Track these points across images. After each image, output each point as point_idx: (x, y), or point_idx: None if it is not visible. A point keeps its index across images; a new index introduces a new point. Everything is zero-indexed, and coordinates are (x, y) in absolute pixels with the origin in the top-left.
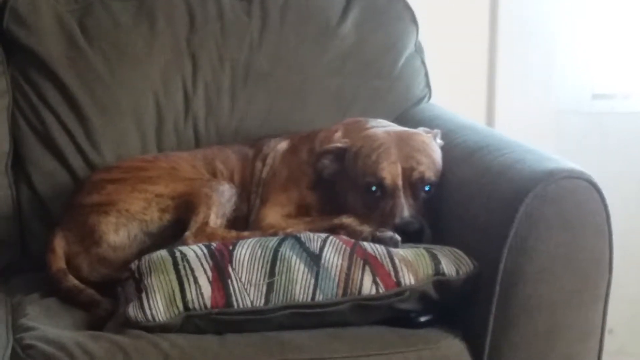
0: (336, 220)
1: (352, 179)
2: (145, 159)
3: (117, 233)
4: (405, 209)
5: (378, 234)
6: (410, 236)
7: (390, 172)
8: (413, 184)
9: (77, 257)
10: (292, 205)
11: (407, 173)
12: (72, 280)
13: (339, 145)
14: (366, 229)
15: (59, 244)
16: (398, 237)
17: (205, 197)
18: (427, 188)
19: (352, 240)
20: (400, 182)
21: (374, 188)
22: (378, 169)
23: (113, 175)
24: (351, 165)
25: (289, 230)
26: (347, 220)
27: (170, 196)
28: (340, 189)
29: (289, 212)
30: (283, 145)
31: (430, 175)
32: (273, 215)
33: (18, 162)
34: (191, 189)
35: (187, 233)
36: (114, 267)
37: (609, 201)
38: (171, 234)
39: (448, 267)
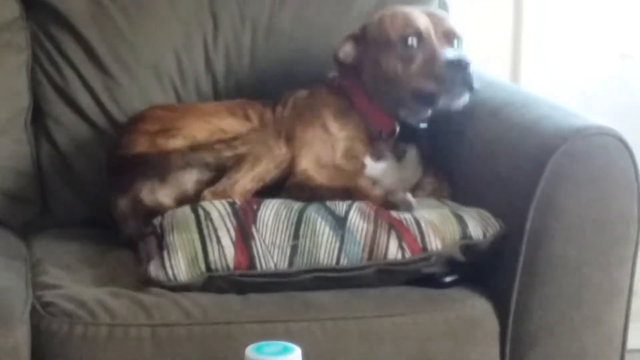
0: (350, 184)
1: (382, 45)
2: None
3: (183, 156)
4: (447, 51)
5: (390, 198)
6: (462, 76)
7: (423, 22)
8: (445, 33)
9: (137, 179)
10: (317, 144)
11: (435, 24)
12: None
13: (354, 31)
14: (378, 192)
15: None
16: (410, 199)
17: (255, 157)
18: (456, 43)
19: (376, 206)
20: (432, 32)
21: (409, 41)
22: (411, 20)
23: (175, 111)
24: (378, 32)
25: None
26: (361, 183)
27: (232, 133)
28: (370, 70)
29: (317, 154)
30: (303, 92)
31: (455, 28)
32: (305, 160)
33: (38, 117)
34: (249, 137)
35: (209, 189)
36: (172, 192)
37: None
38: (223, 173)
39: (475, 230)
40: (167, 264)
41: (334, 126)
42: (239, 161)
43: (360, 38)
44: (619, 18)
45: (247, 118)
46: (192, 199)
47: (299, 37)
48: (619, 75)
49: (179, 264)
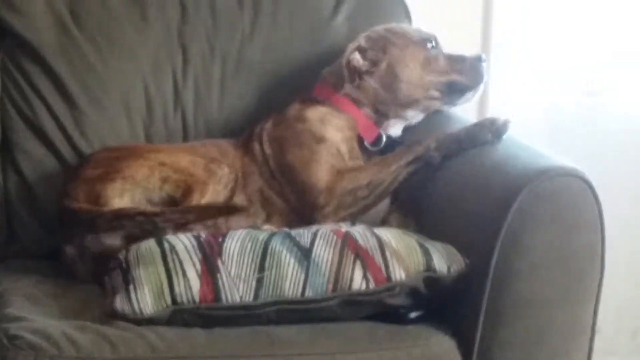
0: (419, 148)
1: (405, 48)
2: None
3: (122, 198)
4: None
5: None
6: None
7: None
8: None
9: (80, 226)
10: (322, 155)
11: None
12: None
13: (359, 43)
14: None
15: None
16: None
17: (202, 184)
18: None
19: (343, 231)
20: None
21: (430, 43)
22: (422, 31)
23: (118, 152)
24: (395, 38)
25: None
26: (431, 141)
27: (173, 168)
28: (386, 74)
29: (329, 163)
30: (269, 122)
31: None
32: (321, 175)
33: (6, 148)
34: (192, 168)
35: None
36: (117, 235)
37: (600, 194)
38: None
39: (439, 264)
40: (133, 298)
41: (327, 131)
42: (186, 191)
43: (367, 49)
44: (586, 56)
45: (208, 157)
46: (141, 237)
47: (268, 69)
48: (585, 112)
49: (145, 298)
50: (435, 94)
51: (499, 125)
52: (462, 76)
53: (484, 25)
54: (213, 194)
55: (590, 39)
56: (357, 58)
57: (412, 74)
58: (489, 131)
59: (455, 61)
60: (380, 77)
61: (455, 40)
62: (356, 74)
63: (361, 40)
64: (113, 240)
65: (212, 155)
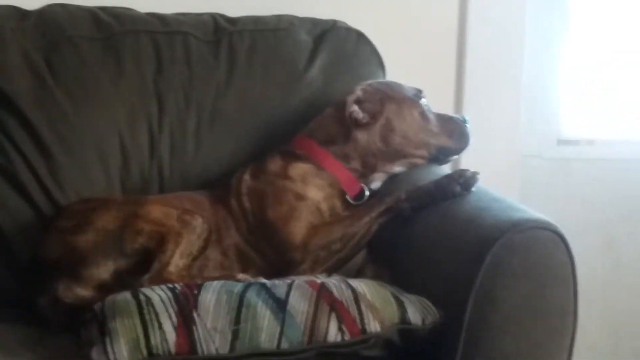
0: (389, 199)
1: (402, 102)
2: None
3: (94, 250)
4: None
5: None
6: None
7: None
8: None
9: (53, 277)
10: (302, 212)
11: None
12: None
13: (357, 95)
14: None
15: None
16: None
17: (176, 235)
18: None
19: (319, 283)
20: None
21: (423, 100)
22: (412, 87)
23: (91, 204)
24: (392, 92)
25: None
26: (401, 193)
27: (145, 219)
28: (382, 127)
29: (308, 220)
30: (246, 174)
31: None
32: (298, 230)
33: None
34: (165, 220)
35: (146, 277)
36: (90, 286)
37: (571, 246)
38: (144, 259)
39: (414, 316)
40: (109, 349)
41: (308, 190)
42: (160, 242)
43: (364, 101)
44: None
45: (181, 209)
46: (113, 287)
47: (243, 121)
48: (557, 161)
49: (121, 349)
50: (425, 153)
51: (468, 177)
52: (452, 140)
53: (457, 75)
54: (187, 244)
55: (561, 86)
56: (357, 110)
57: (408, 128)
58: (457, 184)
59: (445, 122)
60: (376, 130)
61: (428, 92)
62: (353, 126)
63: (359, 93)
64: (85, 291)
65: (186, 207)
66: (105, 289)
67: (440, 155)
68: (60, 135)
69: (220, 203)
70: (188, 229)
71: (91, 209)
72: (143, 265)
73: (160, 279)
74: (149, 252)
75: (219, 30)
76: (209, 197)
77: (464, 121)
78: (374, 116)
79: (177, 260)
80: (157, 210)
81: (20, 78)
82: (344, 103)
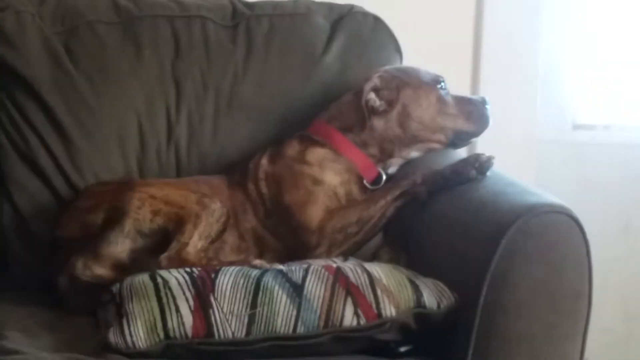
0: (405, 183)
1: (419, 88)
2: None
3: (112, 228)
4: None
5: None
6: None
7: None
8: None
9: (75, 258)
10: (319, 196)
11: None
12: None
13: (374, 83)
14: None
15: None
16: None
17: (195, 216)
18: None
19: (335, 267)
20: None
21: (442, 84)
22: (431, 72)
23: (110, 185)
24: (408, 78)
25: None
26: (417, 177)
27: (164, 200)
28: (398, 114)
29: (325, 204)
30: (264, 159)
31: None
32: (315, 214)
33: (1, 181)
34: (184, 201)
35: (164, 255)
36: (108, 265)
37: (587, 231)
38: (161, 240)
39: (429, 300)
40: (126, 332)
41: (325, 175)
42: (179, 223)
43: (380, 89)
44: (573, 90)
45: (200, 193)
46: (130, 267)
47: (260, 105)
48: (573, 146)
49: (138, 332)
50: (442, 138)
51: (483, 162)
52: (470, 123)
53: (474, 60)
54: (206, 226)
55: (577, 71)
56: (373, 98)
57: (424, 114)
58: (472, 168)
59: (463, 103)
60: (393, 117)
61: (445, 76)
62: (370, 113)
63: (376, 80)
64: (102, 269)
65: (204, 191)
66: (122, 267)
67: (458, 140)
68: (79, 119)
69: (238, 187)
70: (207, 211)
71: (109, 190)
72: (160, 246)
73: (178, 259)
74: (166, 234)
75: (237, 14)
76: (226, 182)
77: (484, 102)
78: (390, 103)
79: (195, 242)
80: (176, 193)
81: (40, 63)
82: (362, 90)
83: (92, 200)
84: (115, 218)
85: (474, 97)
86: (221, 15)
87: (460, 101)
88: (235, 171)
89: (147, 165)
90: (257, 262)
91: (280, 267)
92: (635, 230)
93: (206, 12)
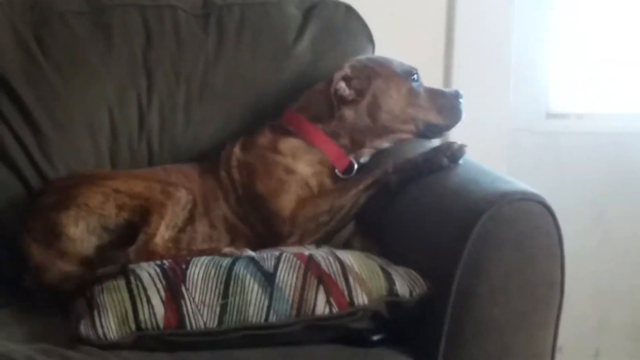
0: (377, 172)
1: (390, 79)
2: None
3: (77, 225)
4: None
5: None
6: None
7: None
8: None
9: (40, 255)
10: (291, 185)
11: None
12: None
13: (345, 72)
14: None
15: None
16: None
17: (160, 206)
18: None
19: (307, 255)
20: None
21: (414, 76)
22: (399, 62)
23: (74, 180)
24: (380, 68)
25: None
26: (388, 166)
27: (128, 194)
28: (369, 104)
29: (297, 194)
30: (236, 147)
31: None
32: (287, 204)
33: None
34: (148, 193)
35: (131, 248)
36: (74, 262)
37: (560, 220)
38: (127, 233)
39: (402, 288)
40: (97, 323)
41: (298, 165)
42: (145, 215)
43: (351, 78)
44: (546, 79)
45: (164, 182)
46: (98, 262)
47: (232, 94)
48: (546, 135)
49: (109, 323)
50: (413, 129)
51: (455, 150)
52: (441, 116)
53: (446, 48)
54: (172, 215)
55: (550, 59)
56: (343, 87)
57: (395, 105)
58: (444, 156)
59: (436, 96)
60: (363, 107)
61: (417, 66)
62: (340, 103)
63: (347, 70)
64: (69, 266)
65: (172, 179)
66: (89, 263)
67: (429, 132)
68: (50, 110)
69: (210, 175)
70: (172, 200)
71: (74, 184)
72: (127, 239)
73: (146, 251)
74: (133, 226)
75: (208, 4)
76: (197, 169)
77: (457, 96)
78: (360, 93)
79: (162, 232)
80: (140, 185)
81: (10, 53)
82: (332, 79)
83: (56, 196)
84: (79, 215)
85: (448, 90)
86: (192, 5)
87: (433, 94)
88: (207, 159)
89: (118, 155)
90: (227, 250)
91: (252, 253)
92: (608, 219)
93: (177, 2)
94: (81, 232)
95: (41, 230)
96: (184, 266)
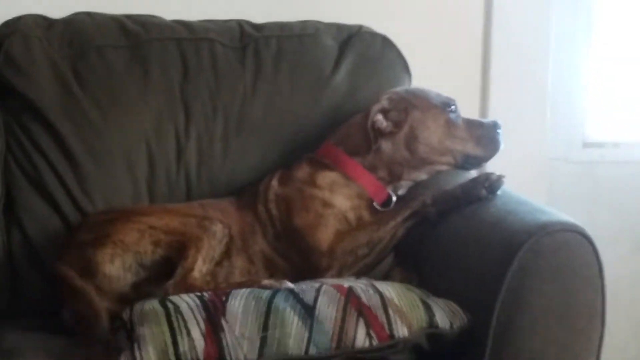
0: (415, 204)
1: (427, 110)
2: (141, 204)
3: (113, 263)
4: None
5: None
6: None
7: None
8: None
9: (74, 291)
10: (329, 219)
11: None
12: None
13: (382, 104)
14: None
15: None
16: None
17: (196, 240)
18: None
19: (346, 287)
20: None
21: (452, 107)
22: (442, 95)
23: (110, 215)
24: (417, 100)
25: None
26: (427, 197)
27: (164, 230)
28: (406, 136)
29: (335, 227)
30: (274, 180)
31: None
32: (325, 237)
33: (10, 207)
34: (183, 228)
35: (169, 282)
36: (111, 299)
37: (598, 249)
38: (165, 269)
39: (442, 320)
40: (138, 357)
41: (336, 199)
42: (181, 250)
43: (389, 110)
44: (583, 108)
45: (200, 217)
46: (135, 299)
47: (270, 126)
48: (583, 164)
49: (149, 356)
50: (451, 161)
51: (493, 181)
52: (479, 147)
53: (483, 79)
54: (208, 249)
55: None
56: (380, 119)
57: (432, 137)
58: (483, 187)
59: (474, 127)
60: (400, 139)
61: (454, 96)
62: (377, 135)
63: (384, 102)
64: (106, 303)
65: (209, 214)
66: (126, 300)
67: (467, 163)
68: (88, 143)
69: (247, 209)
70: (208, 233)
71: (110, 220)
72: (164, 276)
73: (184, 285)
74: (169, 263)
75: (245, 36)
76: (235, 204)
77: (496, 127)
78: (398, 125)
79: (200, 266)
80: (175, 221)
81: (48, 87)
82: (370, 112)
83: (93, 233)
84: (114, 252)
85: (486, 120)
86: (229, 37)
87: (471, 124)
88: (245, 193)
89: (156, 188)
90: (267, 282)
91: (291, 285)
92: None
93: (214, 35)
94: (117, 270)
95: (78, 267)
96: (224, 298)
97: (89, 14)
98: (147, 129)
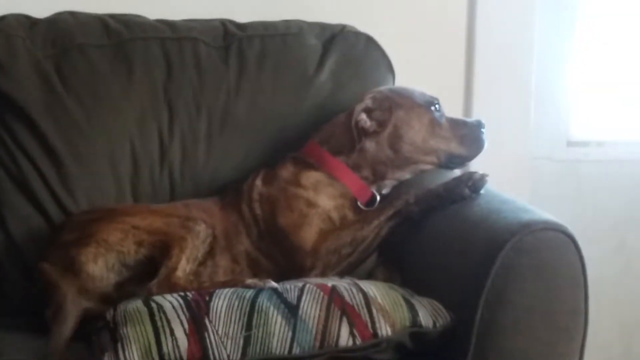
0: (398, 202)
1: (411, 110)
2: (125, 204)
3: (96, 263)
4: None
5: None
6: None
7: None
8: None
9: (57, 290)
10: (313, 219)
11: None
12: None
13: (366, 104)
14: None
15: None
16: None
17: (180, 240)
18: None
19: (330, 286)
20: None
21: (436, 106)
22: (426, 94)
23: (94, 215)
24: (401, 99)
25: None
26: (410, 196)
27: (147, 230)
28: (390, 136)
29: (319, 226)
30: (258, 179)
31: None
32: (309, 237)
33: None
34: (167, 228)
35: (153, 282)
36: (94, 298)
37: (581, 247)
38: (148, 269)
39: (425, 319)
40: (121, 356)
41: (320, 199)
42: (165, 250)
43: (373, 109)
44: (566, 107)
45: (184, 217)
46: (118, 298)
47: (254, 126)
48: (567, 163)
49: (133, 356)
50: (435, 160)
51: (476, 180)
52: (463, 147)
53: (466, 78)
54: (192, 248)
55: (570, 87)
56: (364, 119)
57: (416, 136)
58: (466, 186)
59: (458, 126)
60: (384, 138)
61: (437, 95)
62: (361, 135)
63: (368, 102)
64: (88, 303)
65: (193, 214)
66: (109, 300)
67: (451, 162)
68: (71, 142)
69: (231, 209)
70: (192, 233)
71: (94, 219)
72: (147, 275)
73: (168, 284)
74: (153, 262)
75: (229, 35)
76: (219, 204)
77: (480, 126)
78: (381, 124)
79: (183, 265)
80: (159, 221)
81: (31, 86)
82: (353, 111)
83: (76, 233)
84: (98, 252)
85: (470, 119)
86: (213, 37)
87: (455, 124)
88: (228, 193)
89: (140, 188)
90: (250, 281)
91: (275, 285)
92: (630, 247)
93: (198, 34)
94: (100, 270)
95: (61, 267)
96: (207, 298)
97: (72, 13)
98: (130, 128)
